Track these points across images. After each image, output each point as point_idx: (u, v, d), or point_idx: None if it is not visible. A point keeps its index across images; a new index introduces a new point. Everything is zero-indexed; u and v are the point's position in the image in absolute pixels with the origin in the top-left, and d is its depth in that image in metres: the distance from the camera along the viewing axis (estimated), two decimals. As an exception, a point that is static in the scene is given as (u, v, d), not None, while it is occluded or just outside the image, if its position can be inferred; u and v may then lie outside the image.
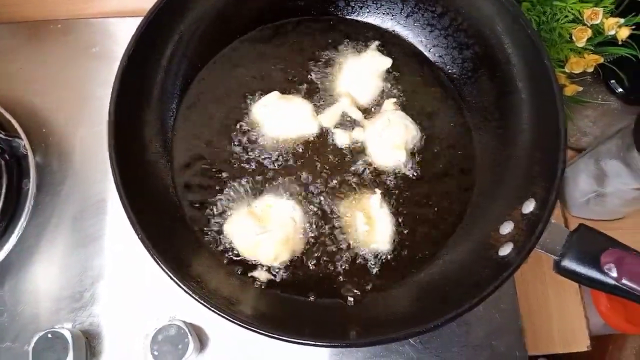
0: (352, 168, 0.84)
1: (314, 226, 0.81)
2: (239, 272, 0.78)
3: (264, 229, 0.78)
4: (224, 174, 0.82)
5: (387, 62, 0.90)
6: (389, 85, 0.90)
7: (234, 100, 0.87)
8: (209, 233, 0.79)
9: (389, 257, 0.79)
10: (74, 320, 0.81)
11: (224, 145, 0.84)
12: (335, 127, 0.87)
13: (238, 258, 0.78)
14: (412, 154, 0.85)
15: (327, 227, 0.81)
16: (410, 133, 0.84)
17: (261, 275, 0.77)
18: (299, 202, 0.81)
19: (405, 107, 0.88)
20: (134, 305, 0.82)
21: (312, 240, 0.80)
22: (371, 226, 0.79)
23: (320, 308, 0.76)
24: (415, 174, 0.84)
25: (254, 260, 0.78)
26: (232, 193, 0.82)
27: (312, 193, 0.82)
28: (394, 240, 0.80)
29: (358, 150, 0.85)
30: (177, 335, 0.76)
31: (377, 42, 0.92)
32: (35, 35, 0.96)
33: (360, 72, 0.89)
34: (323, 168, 0.84)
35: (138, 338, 0.80)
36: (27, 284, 0.83)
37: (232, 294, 0.73)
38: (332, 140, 0.86)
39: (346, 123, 0.87)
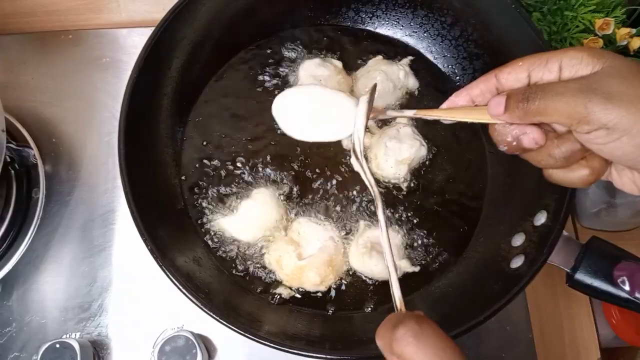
0: (352, 173, 0.84)
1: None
2: (258, 291, 0.78)
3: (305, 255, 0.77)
4: (233, 188, 0.83)
5: (414, 83, 0.90)
6: (404, 96, 0.90)
7: (247, 110, 0.88)
8: (218, 242, 0.80)
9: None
10: (81, 330, 0.81)
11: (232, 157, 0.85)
12: None
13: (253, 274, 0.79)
14: (418, 167, 0.85)
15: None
16: (417, 151, 0.83)
17: (284, 291, 0.78)
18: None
19: (415, 119, 0.87)
20: (142, 315, 0.82)
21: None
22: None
23: (337, 321, 0.76)
24: (417, 187, 0.84)
25: (300, 287, 0.78)
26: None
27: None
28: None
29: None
30: (185, 345, 0.76)
31: (410, 58, 0.92)
32: (46, 46, 0.97)
33: (381, 81, 0.87)
34: (323, 170, 0.84)
35: (146, 348, 0.80)
36: (35, 294, 0.82)
37: (249, 310, 0.73)
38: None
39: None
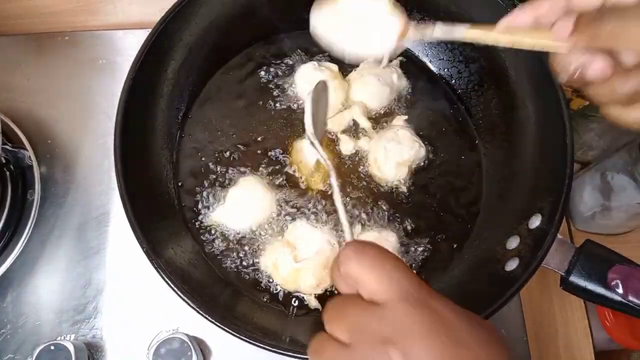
0: (351, 177, 0.85)
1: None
2: (265, 300, 0.78)
3: (301, 258, 0.77)
4: (229, 191, 0.82)
5: (406, 85, 0.90)
6: (398, 98, 0.90)
7: (244, 113, 0.88)
8: (214, 244, 0.80)
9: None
10: (76, 332, 0.80)
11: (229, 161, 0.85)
12: (342, 132, 0.86)
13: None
14: (415, 170, 0.85)
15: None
16: (417, 152, 0.84)
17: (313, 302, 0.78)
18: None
19: (411, 122, 0.87)
20: (137, 317, 0.82)
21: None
22: None
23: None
24: (415, 189, 0.84)
25: (295, 290, 0.78)
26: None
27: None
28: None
29: (360, 160, 0.86)
30: (180, 348, 0.76)
31: (399, 59, 0.92)
32: (42, 48, 0.96)
33: (375, 84, 0.87)
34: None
35: (141, 350, 0.79)
36: (30, 296, 0.82)
37: (244, 312, 0.73)
38: (337, 145, 0.86)
39: (353, 131, 0.87)
